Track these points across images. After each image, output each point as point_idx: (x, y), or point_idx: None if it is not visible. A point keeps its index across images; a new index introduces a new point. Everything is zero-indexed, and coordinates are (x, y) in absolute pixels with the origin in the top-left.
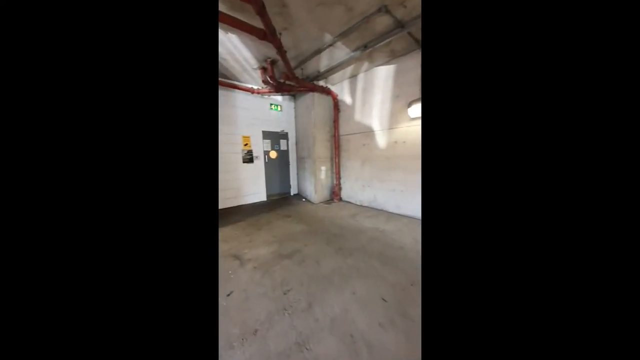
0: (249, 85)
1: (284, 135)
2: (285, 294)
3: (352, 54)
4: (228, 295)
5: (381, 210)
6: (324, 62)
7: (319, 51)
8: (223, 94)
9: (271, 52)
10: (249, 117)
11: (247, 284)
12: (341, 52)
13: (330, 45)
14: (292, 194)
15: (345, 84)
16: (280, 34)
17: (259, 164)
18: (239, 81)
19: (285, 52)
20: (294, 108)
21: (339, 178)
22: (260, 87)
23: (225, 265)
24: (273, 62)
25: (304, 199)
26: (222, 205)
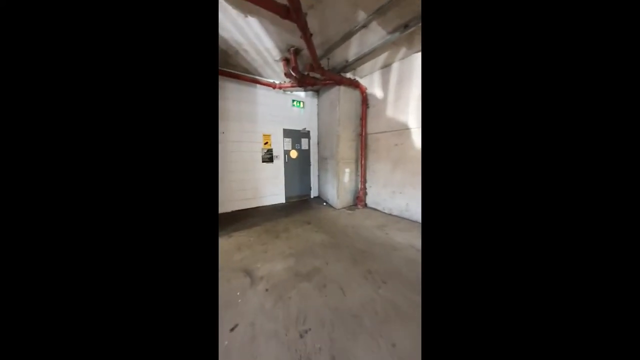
0: (271, 80)
1: (306, 134)
2: (302, 336)
3: (388, 37)
4: (232, 329)
5: (415, 222)
6: (353, 49)
7: (349, 35)
8: (244, 90)
9: (295, 39)
10: (270, 114)
11: (256, 314)
12: (375, 35)
13: (363, 26)
14: (312, 196)
15: (376, 76)
16: (305, 13)
17: (279, 164)
18: (260, 76)
19: (311, 35)
20: (317, 105)
21: (364, 182)
22: (282, 82)
23: (234, 284)
24: (297, 52)
25: (324, 203)
26: (239, 206)
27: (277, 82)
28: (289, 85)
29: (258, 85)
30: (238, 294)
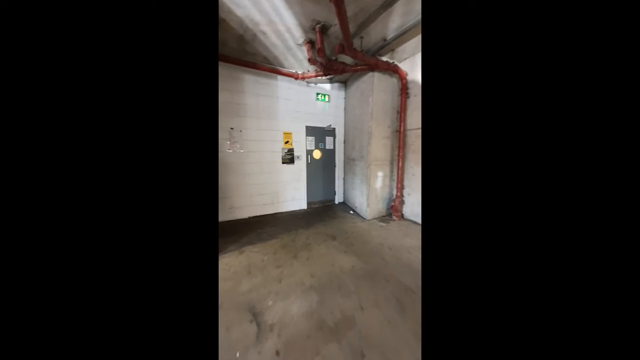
0: (293, 70)
1: (331, 132)
2: None
3: None
4: None
5: None
6: (395, 22)
7: (391, 1)
8: (263, 83)
9: (321, 11)
10: (292, 109)
11: None
12: None
13: None
14: (336, 202)
15: (421, 58)
16: None
17: (301, 166)
18: (281, 65)
19: None
20: (344, 98)
21: (400, 188)
22: (305, 72)
23: (234, 334)
24: (323, 30)
25: (351, 212)
26: (257, 212)
27: (299, 72)
28: (314, 74)
29: (279, 77)
30: (237, 355)
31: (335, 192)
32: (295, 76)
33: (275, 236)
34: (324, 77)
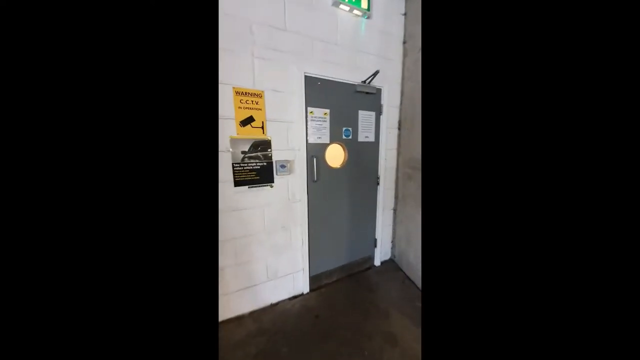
0: None
1: (371, 97)
2: None
3: None
4: None
5: None
6: None
7: None
8: None
9: None
10: (266, 22)
11: None
12: None
13: None
14: (377, 261)
15: None
16: None
17: (292, 187)
18: None
19: None
20: (405, 14)
21: None
22: None
23: None
24: None
25: None
26: None
27: None
28: None
29: None
30: None
31: (375, 239)
32: None
33: None
34: None
